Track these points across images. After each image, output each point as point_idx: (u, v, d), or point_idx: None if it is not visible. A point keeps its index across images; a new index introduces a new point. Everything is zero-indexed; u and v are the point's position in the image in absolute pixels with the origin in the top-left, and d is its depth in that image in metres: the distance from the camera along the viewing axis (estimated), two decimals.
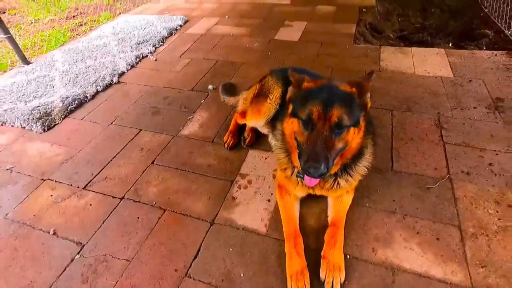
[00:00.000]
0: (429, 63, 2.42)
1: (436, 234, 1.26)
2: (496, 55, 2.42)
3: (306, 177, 1.08)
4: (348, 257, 1.21)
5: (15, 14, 5.34)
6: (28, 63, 2.85)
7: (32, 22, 4.85)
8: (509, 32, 2.63)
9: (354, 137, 1.07)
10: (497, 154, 1.58)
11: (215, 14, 3.81)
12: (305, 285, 1.11)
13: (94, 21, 4.33)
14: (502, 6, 2.86)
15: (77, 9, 5.24)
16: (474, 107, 1.91)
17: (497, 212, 1.31)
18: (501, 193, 1.39)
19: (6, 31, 2.65)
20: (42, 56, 3.03)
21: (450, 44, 2.71)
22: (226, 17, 3.71)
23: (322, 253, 1.19)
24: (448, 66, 2.34)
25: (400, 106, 1.98)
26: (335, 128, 1.01)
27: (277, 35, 3.16)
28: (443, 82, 2.17)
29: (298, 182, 1.27)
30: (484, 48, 2.56)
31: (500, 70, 2.23)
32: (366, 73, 1.14)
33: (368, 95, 1.12)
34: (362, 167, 1.22)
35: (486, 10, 3.18)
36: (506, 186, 1.41)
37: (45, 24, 4.70)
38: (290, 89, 1.20)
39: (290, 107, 1.15)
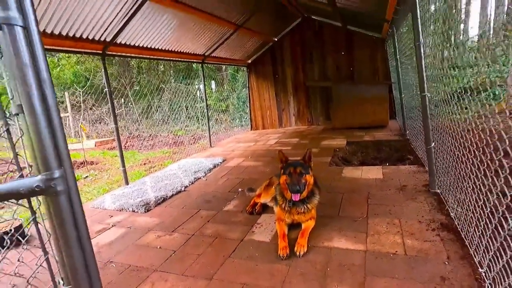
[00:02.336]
0: (371, 173, 4.01)
1: (354, 235, 2.49)
2: (411, 167, 4.02)
3: (293, 195, 2.49)
4: (309, 245, 2.43)
5: (105, 164, 7.81)
6: (128, 183, 4.68)
7: (117, 168, 7.14)
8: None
9: (309, 179, 2.55)
10: (394, 206, 2.91)
11: (242, 156, 5.89)
12: (287, 252, 2.32)
13: (161, 165, 6.53)
14: (418, 146, 4.69)
15: (147, 159, 7.66)
16: (389, 189, 3.34)
17: (387, 227, 2.56)
18: (391, 220, 2.66)
19: (123, 164, 4.64)
20: (136, 181, 4.91)
21: (387, 164, 4.37)
22: (249, 157, 5.75)
23: (296, 242, 2.43)
24: (381, 174, 3.91)
25: (348, 191, 3.44)
26: (300, 174, 2.52)
27: None
28: (375, 181, 3.68)
29: (287, 211, 2.64)
30: (406, 164, 4.18)
31: (410, 174, 3.76)
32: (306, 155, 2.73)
33: (311, 163, 2.68)
34: (315, 200, 2.64)
35: (412, 146, 5.02)
36: (395, 218, 2.69)
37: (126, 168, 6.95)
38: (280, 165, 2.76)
39: (282, 171, 2.65)
